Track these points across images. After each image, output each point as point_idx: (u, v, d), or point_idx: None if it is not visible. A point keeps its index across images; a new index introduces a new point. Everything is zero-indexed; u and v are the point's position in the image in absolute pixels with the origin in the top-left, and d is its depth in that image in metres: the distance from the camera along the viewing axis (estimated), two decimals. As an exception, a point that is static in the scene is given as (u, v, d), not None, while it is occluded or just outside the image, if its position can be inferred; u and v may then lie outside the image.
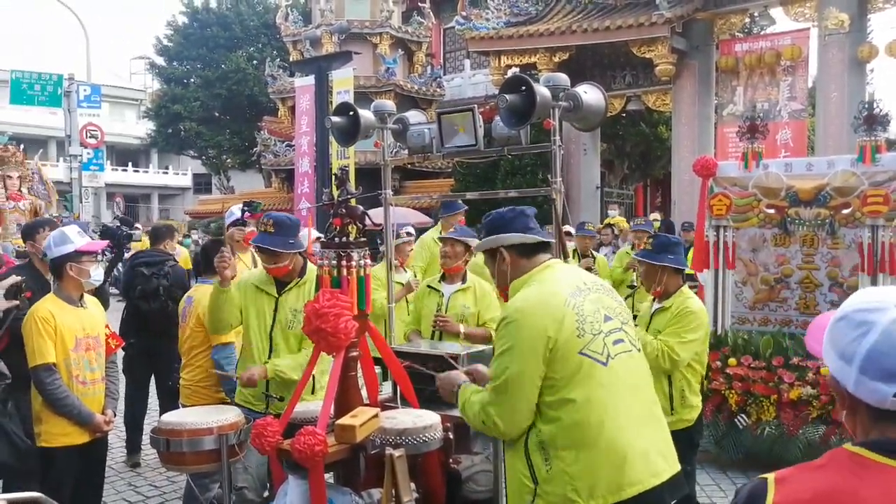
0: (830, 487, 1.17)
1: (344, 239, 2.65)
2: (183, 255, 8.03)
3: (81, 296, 3.72)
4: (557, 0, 14.89)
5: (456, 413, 2.91)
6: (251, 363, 3.64)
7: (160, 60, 32.77)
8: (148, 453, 5.61)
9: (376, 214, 3.21)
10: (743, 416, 5.31)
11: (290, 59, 20.95)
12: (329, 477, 2.60)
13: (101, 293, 4.39)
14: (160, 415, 4.25)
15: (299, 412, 2.74)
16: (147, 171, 48.51)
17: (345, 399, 2.59)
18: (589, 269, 5.74)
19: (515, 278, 2.45)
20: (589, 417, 2.18)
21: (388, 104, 3.66)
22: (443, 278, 4.58)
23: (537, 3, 14.97)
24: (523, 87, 2.81)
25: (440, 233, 6.01)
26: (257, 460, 3.46)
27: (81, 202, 21.55)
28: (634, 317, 3.51)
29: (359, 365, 2.73)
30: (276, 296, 3.62)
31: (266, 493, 3.60)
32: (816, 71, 12.50)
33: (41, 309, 3.54)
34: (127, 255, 6.91)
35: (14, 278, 3.98)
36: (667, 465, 2.28)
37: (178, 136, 32.26)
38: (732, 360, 5.43)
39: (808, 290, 5.60)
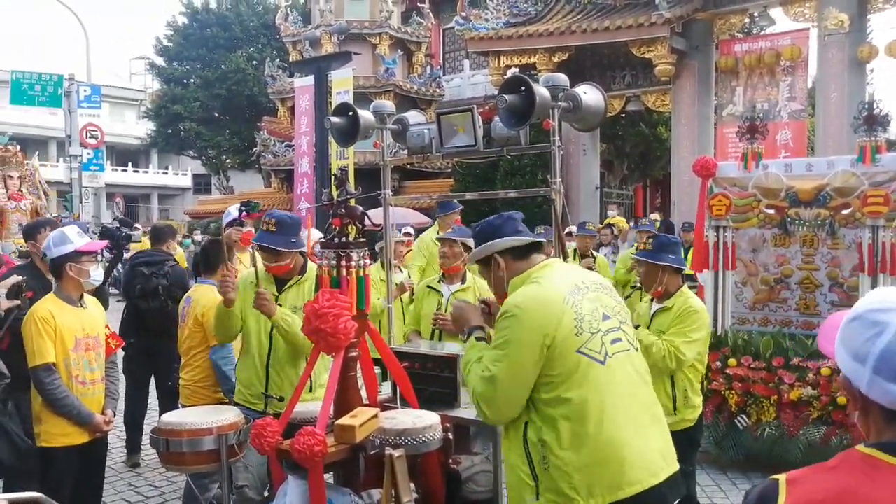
0: (842, 489, 1.16)
1: (343, 239, 2.66)
2: (179, 255, 8.01)
3: (81, 296, 3.72)
4: (557, 0, 14.89)
5: (456, 413, 2.92)
6: (251, 362, 3.64)
7: (160, 61, 32.77)
8: (148, 453, 5.61)
9: (376, 215, 3.21)
10: (743, 416, 5.31)
11: (290, 60, 20.95)
12: (329, 477, 2.60)
13: (100, 294, 4.39)
14: (160, 415, 4.25)
15: (299, 412, 2.74)
16: (147, 172, 48.52)
17: (344, 399, 2.59)
18: (590, 268, 5.73)
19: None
20: (587, 416, 2.18)
21: (388, 104, 3.66)
22: (442, 278, 4.58)
23: (537, 4, 14.97)
24: (523, 88, 2.80)
25: (438, 232, 6.01)
26: (257, 459, 3.46)
27: (81, 202, 21.53)
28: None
29: (358, 365, 2.73)
30: (276, 294, 3.62)
31: (266, 493, 3.60)
32: (816, 71, 12.49)
33: (41, 309, 3.54)
34: (127, 256, 6.91)
35: (15, 278, 3.99)
36: (665, 464, 2.28)
37: (177, 136, 32.27)
38: (732, 361, 5.43)
39: (808, 291, 5.60)
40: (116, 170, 44.45)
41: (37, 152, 33.57)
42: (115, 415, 3.84)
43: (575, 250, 7.39)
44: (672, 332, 3.66)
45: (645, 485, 2.18)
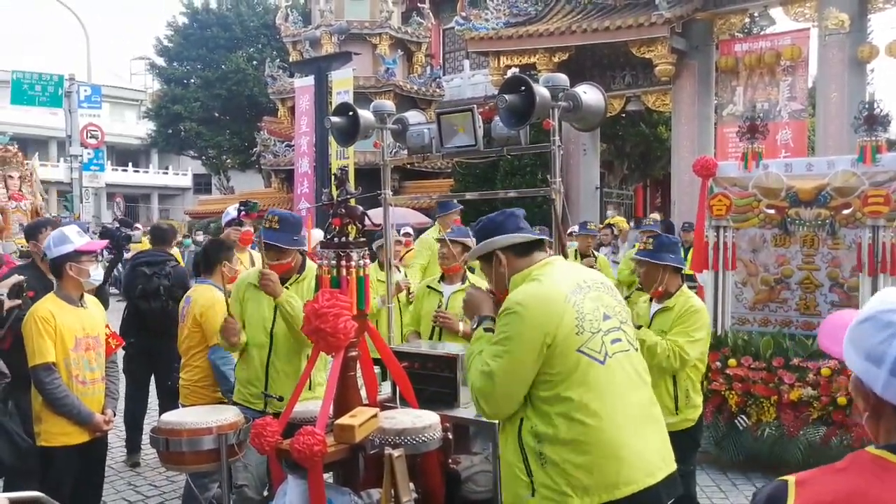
0: (852, 490, 1.15)
1: (343, 239, 2.66)
2: (175, 256, 7.99)
3: (81, 296, 3.72)
4: (557, 0, 14.89)
5: (455, 413, 2.91)
6: (250, 362, 3.64)
7: (160, 61, 32.77)
8: (148, 453, 5.61)
9: (376, 215, 3.21)
10: (743, 417, 5.31)
11: (290, 60, 20.94)
12: (328, 477, 2.60)
13: (100, 293, 4.39)
14: (160, 414, 4.25)
15: (298, 412, 2.74)
16: (147, 172, 48.50)
17: (344, 399, 2.59)
18: (591, 268, 5.73)
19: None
20: (585, 415, 2.18)
21: (388, 104, 3.66)
22: (442, 278, 4.58)
23: (537, 4, 14.96)
24: (523, 88, 2.80)
25: (438, 232, 6.01)
26: (257, 459, 3.46)
27: (82, 202, 21.55)
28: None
29: (358, 365, 2.73)
30: (276, 294, 3.62)
31: (266, 493, 3.60)
32: (816, 71, 12.49)
33: (41, 309, 3.54)
34: (127, 256, 6.91)
35: (16, 278, 3.99)
36: (663, 464, 2.28)
37: (178, 136, 32.26)
38: (732, 361, 5.43)
39: (808, 291, 5.59)
40: (117, 170, 44.44)
41: (37, 152, 33.59)
42: (115, 414, 3.85)
43: (576, 250, 7.41)
44: (675, 331, 3.67)
45: (641, 485, 2.18)
